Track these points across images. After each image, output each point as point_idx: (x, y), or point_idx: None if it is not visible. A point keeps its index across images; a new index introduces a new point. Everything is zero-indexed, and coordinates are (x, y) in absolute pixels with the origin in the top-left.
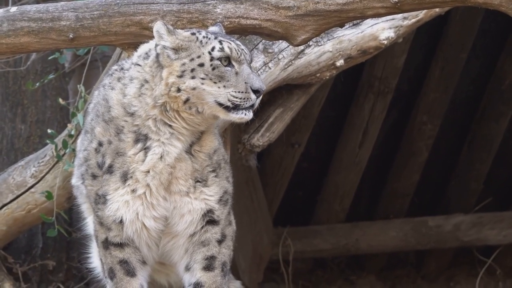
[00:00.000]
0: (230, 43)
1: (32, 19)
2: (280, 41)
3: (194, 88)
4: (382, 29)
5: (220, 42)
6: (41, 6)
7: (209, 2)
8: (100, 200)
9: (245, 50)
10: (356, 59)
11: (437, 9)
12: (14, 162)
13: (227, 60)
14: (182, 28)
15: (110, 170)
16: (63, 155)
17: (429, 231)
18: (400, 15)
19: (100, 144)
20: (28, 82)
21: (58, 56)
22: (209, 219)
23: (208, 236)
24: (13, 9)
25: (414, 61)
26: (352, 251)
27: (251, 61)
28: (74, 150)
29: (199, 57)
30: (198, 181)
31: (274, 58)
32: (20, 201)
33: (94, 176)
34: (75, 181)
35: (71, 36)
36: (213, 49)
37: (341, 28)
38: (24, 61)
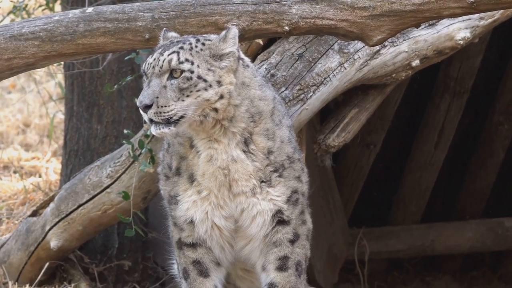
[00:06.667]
0: (151, 57)
1: (108, 20)
2: (356, 41)
3: None
4: (458, 29)
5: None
6: (117, 6)
7: (284, 2)
8: (172, 200)
9: (157, 63)
10: (431, 59)
11: None
12: (90, 163)
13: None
14: (256, 29)
15: (178, 172)
16: (139, 155)
17: (506, 232)
18: (476, 15)
19: (169, 145)
20: (107, 84)
21: (135, 56)
22: (278, 219)
23: (279, 236)
24: (90, 9)
25: (490, 61)
26: (428, 252)
27: (164, 72)
28: (150, 150)
29: None
30: (262, 181)
31: (350, 58)
32: (96, 201)
33: (167, 177)
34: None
35: (147, 36)
36: None
37: (417, 28)
38: (100, 62)
